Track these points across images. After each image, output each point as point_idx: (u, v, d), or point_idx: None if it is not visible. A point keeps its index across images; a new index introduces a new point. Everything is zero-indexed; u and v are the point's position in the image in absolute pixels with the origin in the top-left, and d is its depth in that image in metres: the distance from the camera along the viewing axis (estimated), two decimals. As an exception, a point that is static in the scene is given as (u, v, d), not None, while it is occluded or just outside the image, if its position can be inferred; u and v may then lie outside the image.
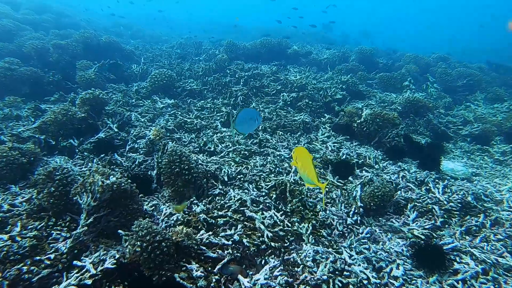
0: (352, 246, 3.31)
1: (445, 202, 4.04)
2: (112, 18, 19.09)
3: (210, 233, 3.10)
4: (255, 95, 7.40)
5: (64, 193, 3.10)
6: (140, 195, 3.34)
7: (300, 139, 5.63)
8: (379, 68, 10.62)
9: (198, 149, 4.96)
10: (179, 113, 6.09)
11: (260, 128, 5.73)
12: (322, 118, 6.81)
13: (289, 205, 3.73)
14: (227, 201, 3.65)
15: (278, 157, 4.91)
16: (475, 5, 51.72)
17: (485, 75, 10.47)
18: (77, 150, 4.96)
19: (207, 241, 2.97)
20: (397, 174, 4.69)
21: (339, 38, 19.87)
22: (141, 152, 4.71)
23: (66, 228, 3.03)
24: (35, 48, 7.81)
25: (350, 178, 4.53)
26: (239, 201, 3.63)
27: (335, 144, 5.55)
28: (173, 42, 12.47)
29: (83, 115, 5.26)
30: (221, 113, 6.25)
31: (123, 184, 3.00)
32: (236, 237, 3.02)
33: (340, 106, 7.48)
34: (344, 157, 5.06)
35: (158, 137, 4.65)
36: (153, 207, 3.62)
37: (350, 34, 22.15)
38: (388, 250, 3.31)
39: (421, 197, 4.18)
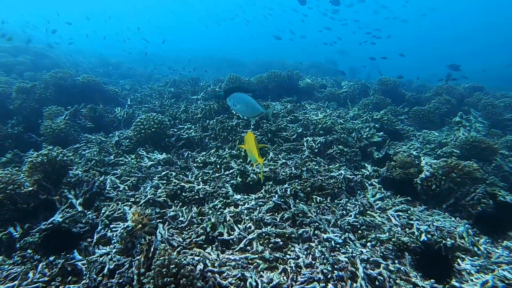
0: None
1: None
2: (100, 57, 17.88)
3: None
4: (271, 141, 5.78)
5: None
6: None
7: (348, 207, 3.93)
8: (406, 100, 9.15)
9: (203, 236, 3.22)
10: (174, 174, 4.40)
11: (289, 192, 4.05)
12: (363, 170, 5.17)
13: None
14: None
15: (327, 245, 3.20)
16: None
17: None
18: (17, 246, 3.23)
19: None
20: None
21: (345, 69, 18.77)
22: (114, 251, 2.96)
23: None
24: (-9, 93, 6.24)
25: (453, 282, 2.80)
26: None
27: (400, 214, 3.85)
28: (166, 80, 11.01)
29: (31, 188, 3.56)
30: (231, 171, 4.58)
31: None
32: None
33: (379, 151, 5.88)
34: (424, 237, 3.35)
35: (140, 226, 2.93)
36: None
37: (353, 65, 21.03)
38: None
39: None
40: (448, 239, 3.33)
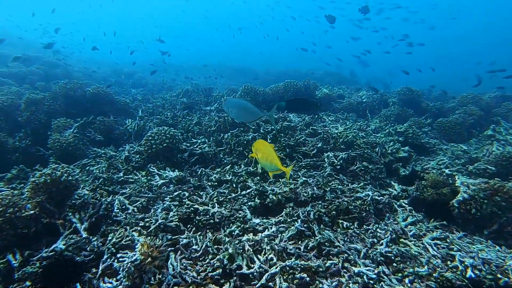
0: None
1: None
2: (114, 66, 17.85)
3: None
4: (290, 156, 5.43)
5: None
6: None
7: (378, 233, 3.54)
8: (428, 111, 8.71)
9: (220, 269, 2.87)
10: (187, 194, 4.08)
11: (312, 215, 3.68)
12: (390, 190, 4.78)
13: None
14: None
15: (359, 280, 2.82)
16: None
17: None
18: (15, 276, 2.93)
19: None
20: None
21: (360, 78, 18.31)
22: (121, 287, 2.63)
23: None
24: (0, 105, 6.04)
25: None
26: None
27: (438, 243, 3.45)
28: (178, 90, 10.76)
29: (32, 212, 3.27)
30: (249, 191, 4.24)
31: None
32: None
33: (405, 167, 5.47)
34: (470, 273, 2.94)
35: (149, 259, 2.60)
36: None
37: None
38: None
39: None
40: (499, 275, 2.91)
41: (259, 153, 2.93)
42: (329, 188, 4.32)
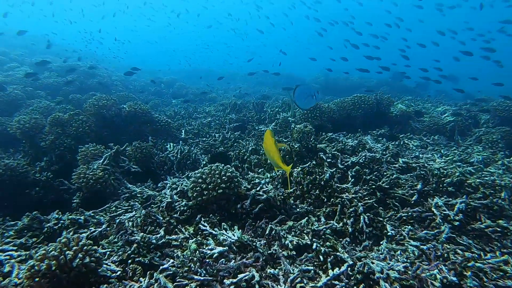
0: None
1: None
2: (153, 74, 17.14)
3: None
4: (383, 203, 4.01)
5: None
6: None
7: None
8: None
9: None
10: (256, 276, 2.74)
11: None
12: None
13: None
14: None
15: None
16: None
17: None
18: None
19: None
20: None
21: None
22: None
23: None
24: (21, 127, 5.04)
25: None
26: None
27: None
28: (224, 101, 9.54)
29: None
30: (342, 269, 2.83)
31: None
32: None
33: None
34: None
35: None
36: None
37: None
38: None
39: None
40: None
41: (264, 145, 2.90)
42: (469, 273, 2.82)
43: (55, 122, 5.16)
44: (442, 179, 4.41)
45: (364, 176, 4.38)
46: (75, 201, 4.14)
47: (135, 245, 3.03)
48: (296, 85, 5.01)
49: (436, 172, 4.51)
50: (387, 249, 3.24)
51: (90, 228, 3.34)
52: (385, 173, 4.55)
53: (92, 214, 3.62)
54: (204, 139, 6.00)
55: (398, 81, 17.05)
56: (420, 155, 5.23)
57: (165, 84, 15.33)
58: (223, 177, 3.58)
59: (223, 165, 3.77)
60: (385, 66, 11.65)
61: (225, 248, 3.03)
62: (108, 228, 3.45)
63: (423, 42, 14.22)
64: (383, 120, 7.21)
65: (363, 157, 4.72)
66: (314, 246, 3.13)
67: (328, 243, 3.25)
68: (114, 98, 5.97)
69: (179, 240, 3.24)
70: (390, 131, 6.84)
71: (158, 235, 3.25)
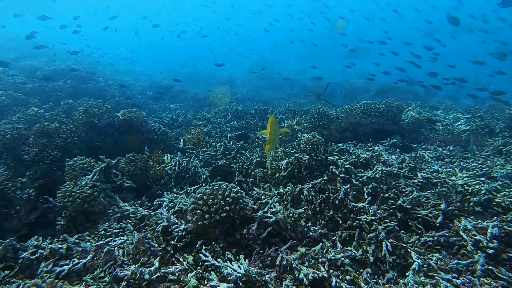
0: None
1: None
2: (151, 77, 16.71)
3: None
4: (405, 224, 3.58)
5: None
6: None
7: None
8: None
9: None
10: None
11: None
12: None
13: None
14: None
15: None
16: None
17: None
18: None
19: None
20: None
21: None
22: None
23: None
24: (2, 138, 4.58)
25: None
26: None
27: None
28: (224, 107, 9.07)
29: None
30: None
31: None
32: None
33: None
34: None
35: None
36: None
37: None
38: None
39: None
40: None
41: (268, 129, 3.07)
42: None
43: (41, 132, 4.71)
44: (468, 197, 3.99)
45: (381, 194, 3.95)
46: (59, 222, 3.68)
47: (124, 282, 2.57)
48: (327, 83, 5.26)
49: (460, 189, 4.09)
50: (416, 285, 2.80)
51: (73, 259, 2.88)
52: (403, 190, 4.11)
53: (77, 241, 3.16)
54: (204, 149, 5.55)
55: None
56: (439, 169, 4.80)
57: (163, 89, 14.85)
58: (227, 199, 3.14)
59: (226, 183, 3.32)
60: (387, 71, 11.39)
61: (230, 285, 2.58)
62: (95, 258, 2.99)
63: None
64: (393, 129, 6.79)
65: (379, 172, 4.28)
66: (333, 283, 2.68)
67: (348, 277, 2.82)
68: (107, 106, 5.49)
69: (176, 274, 2.79)
70: (402, 140, 6.43)
71: (152, 268, 2.79)
